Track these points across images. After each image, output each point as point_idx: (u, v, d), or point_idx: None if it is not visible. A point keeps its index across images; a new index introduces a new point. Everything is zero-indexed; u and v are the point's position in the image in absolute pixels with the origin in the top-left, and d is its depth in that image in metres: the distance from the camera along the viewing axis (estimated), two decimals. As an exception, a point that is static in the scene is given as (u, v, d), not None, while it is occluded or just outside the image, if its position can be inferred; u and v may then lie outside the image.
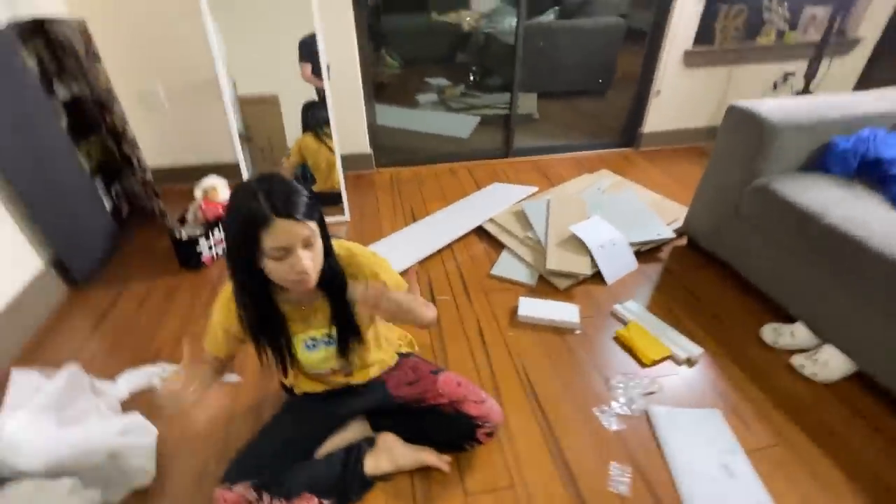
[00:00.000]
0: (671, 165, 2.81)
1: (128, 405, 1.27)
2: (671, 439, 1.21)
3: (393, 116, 3.51)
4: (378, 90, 3.60)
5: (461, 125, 3.39)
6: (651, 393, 1.35)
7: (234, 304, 0.91)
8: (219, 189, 1.90)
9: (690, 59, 2.73)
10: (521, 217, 2.13)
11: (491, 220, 2.16)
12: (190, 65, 2.15)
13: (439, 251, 1.99)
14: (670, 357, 1.47)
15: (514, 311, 1.65)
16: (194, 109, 2.29)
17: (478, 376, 1.41)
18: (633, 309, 1.66)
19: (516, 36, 2.62)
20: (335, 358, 1.02)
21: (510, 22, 3.90)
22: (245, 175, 2.06)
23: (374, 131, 2.74)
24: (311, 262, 0.81)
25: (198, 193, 1.89)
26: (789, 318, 1.55)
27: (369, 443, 1.14)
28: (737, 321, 1.62)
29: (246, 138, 2.29)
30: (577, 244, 1.87)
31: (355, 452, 1.10)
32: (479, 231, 2.14)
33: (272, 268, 0.80)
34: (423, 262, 1.92)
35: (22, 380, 1.16)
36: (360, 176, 2.68)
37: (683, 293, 1.76)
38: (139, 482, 1.10)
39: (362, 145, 2.66)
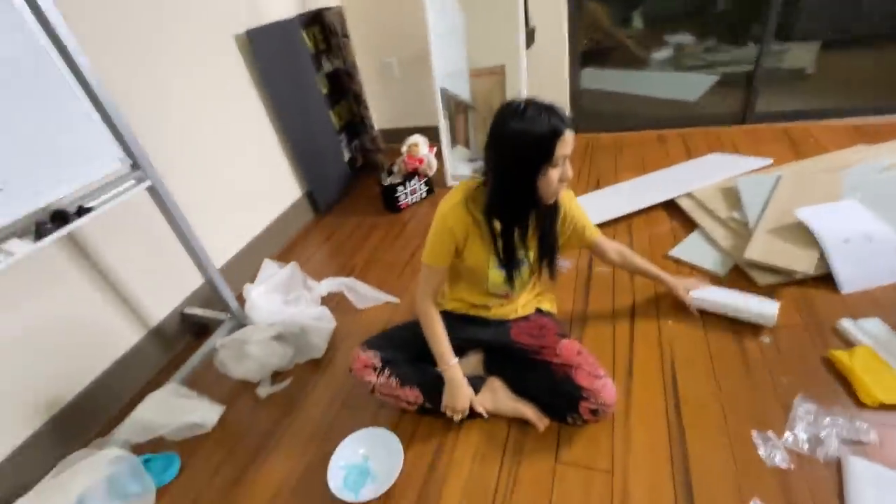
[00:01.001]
0: None
1: (324, 301, 1.68)
2: (871, 510, 0.85)
3: (606, 79, 3.24)
4: (603, 53, 3.38)
5: (691, 86, 2.87)
6: (858, 443, 0.97)
7: (458, 220, 1.02)
8: (420, 145, 2.20)
9: None
10: (731, 194, 1.73)
11: (688, 194, 1.83)
12: (417, 41, 2.48)
13: (613, 223, 1.82)
14: (917, 406, 1.01)
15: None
16: (417, 80, 2.66)
17: (612, 354, 1.28)
18: (873, 330, 1.18)
19: None
20: (519, 281, 1.13)
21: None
22: (444, 138, 2.29)
23: (578, 96, 2.62)
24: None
25: (403, 149, 2.23)
26: None
27: (481, 381, 1.21)
28: None
29: (471, 107, 2.51)
30: (803, 234, 1.41)
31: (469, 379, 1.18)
32: (672, 208, 1.84)
33: (551, 175, 0.92)
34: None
35: (268, 267, 1.67)
36: (555, 141, 2.63)
37: None
38: (314, 355, 1.46)
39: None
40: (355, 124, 2.59)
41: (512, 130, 0.89)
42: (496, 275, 1.10)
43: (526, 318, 1.24)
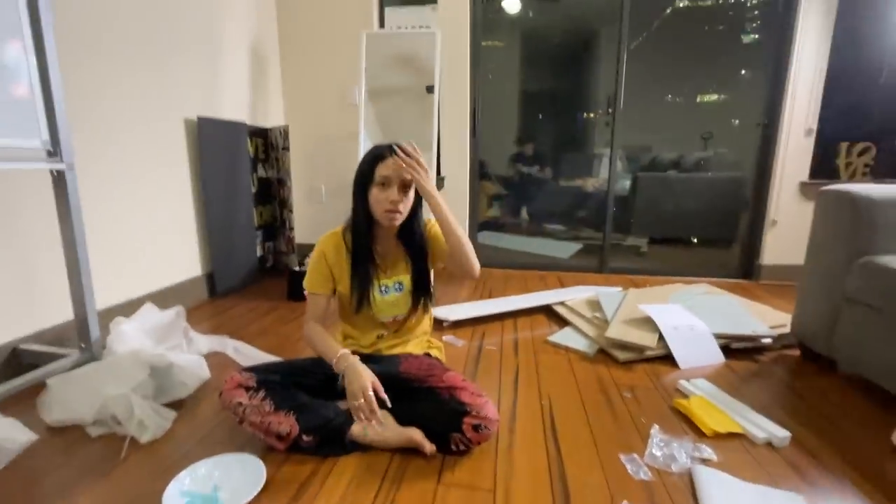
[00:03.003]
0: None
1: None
2: (719, 506, 0.93)
3: (498, 238, 3.91)
4: (500, 227, 4.19)
5: (564, 248, 3.58)
6: (703, 460, 1.08)
7: (331, 244, 1.19)
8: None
9: (808, 191, 2.61)
10: (593, 303, 2.08)
11: (562, 303, 2.15)
12: (347, 174, 2.91)
13: (501, 319, 2.03)
14: (743, 436, 1.18)
15: (558, 369, 1.55)
16: (340, 208, 2.99)
17: (497, 402, 1.33)
18: (702, 385, 1.41)
19: (608, 188, 2.96)
20: (401, 305, 1.22)
21: (624, 184, 4.24)
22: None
23: (476, 249, 3.11)
24: (401, 200, 1.09)
25: (318, 245, 2.39)
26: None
27: (365, 415, 1.16)
28: (857, 425, 1.24)
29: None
30: (647, 323, 1.73)
31: (349, 413, 1.13)
32: (549, 313, 2.13)
33: (375, 196, 1.10)
34: (481, 324, 1.98)
35: (148, 310, 1.54)
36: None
37: (784, 392, 1.44)
38: (179, 395, 1.28)
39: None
40: (275, 227, 2.74)
41: (360, 162, 1.15)
42: (380, 299, 1.20)
43: (416, 357, 1.28)
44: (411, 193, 1.13)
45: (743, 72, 4.80)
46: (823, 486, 1.00)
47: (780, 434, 1.15)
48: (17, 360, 1.37)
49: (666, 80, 5.17)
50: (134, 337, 1.39)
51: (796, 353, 1.72)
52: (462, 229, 1.17)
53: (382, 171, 1.09)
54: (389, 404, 1.08)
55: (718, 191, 3.86)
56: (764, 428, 1.18)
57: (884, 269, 1.31)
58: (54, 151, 1.22)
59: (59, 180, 1.25)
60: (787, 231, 2.66)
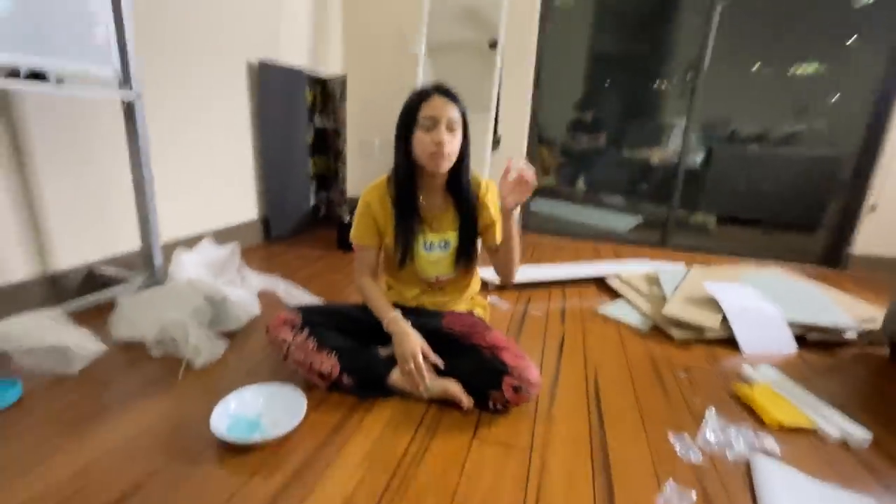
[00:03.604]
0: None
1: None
2: (779, 501, 0.84)
3: (552, 206, 3.75)
4: (554, 195, 4.03)
5: (622, 221, 3.38)
6: (764, 452, 0.98)
7: (375, 195, 1.13)
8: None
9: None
10: (652, 279, 1.95)
11: (617, 276, 2.03)
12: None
13: (549, 286, 1.96)
14: (813, 432, 1.06)
15: (607, 340, 1.47)
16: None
17: (540, 367, 1.28)
18: (768, 373, 1.28)
19: (679, 161, 2.71)
20: (444, 264, 1.17)
21: (695, 157, 3.88)
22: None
23: (527, 216, 3.00)
24: (448, 140, 1.01)
25: (369, 198, 2.39)
26: None
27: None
28: (955, 435, 1.08)
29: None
30: (710, 304, 1.60)
31: (389, 359, 1.13)
32: (601, 285, 2.02)
33: (420, 138, 1.02)
34: (527, 290, 1.91)
35: (206, 245, 1.61)
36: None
37: (866, 391, 1.29)
38: (231, 326, 1.34)
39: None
40: (329, 178, 2.77)
41: (403, 106, 1.05)
42: (423, 255, 1.15)
43: (460, 313, 1.25)
44: (458, 135, 1.05)
45: (849, 42, 4.17)
46: (907, 495, 0.88)
47: (859, 435, 1.03)
48: (93, 280, 1.49)
49: (755, 46, 4.63)
50: (193, 267, 1.46)
51: (883, 352, 1.53)
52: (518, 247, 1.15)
53: (427, 111, 1.01)
54: (443, 366, 1.07)
55: (806, 169, 3.45)
56: (839, 426, 1.06)
57: None
58: (125, 81, 1.26)
59: (129, 110, 1.30)
60: (890, 217, 2.33)
